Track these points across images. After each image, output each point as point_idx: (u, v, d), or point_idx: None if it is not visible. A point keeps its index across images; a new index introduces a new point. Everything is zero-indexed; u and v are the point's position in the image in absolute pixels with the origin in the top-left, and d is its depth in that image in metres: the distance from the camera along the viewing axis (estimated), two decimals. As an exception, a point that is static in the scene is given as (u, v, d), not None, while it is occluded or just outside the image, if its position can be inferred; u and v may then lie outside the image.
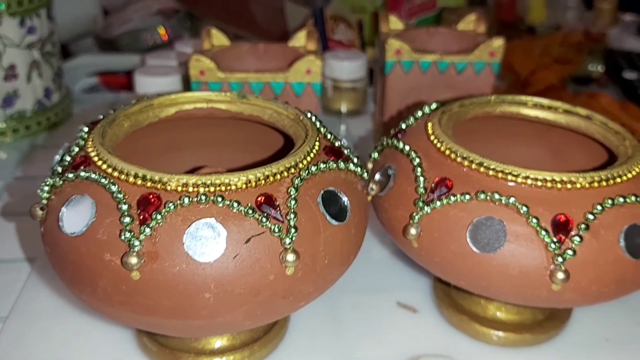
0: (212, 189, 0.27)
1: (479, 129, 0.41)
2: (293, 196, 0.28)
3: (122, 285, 0.27)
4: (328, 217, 0.30)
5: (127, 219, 0.27)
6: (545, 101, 0.39)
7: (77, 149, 0.31)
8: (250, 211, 0.27)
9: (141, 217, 0.27)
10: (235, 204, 0.27)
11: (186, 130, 0.38)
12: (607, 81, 0.77)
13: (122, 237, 0.26)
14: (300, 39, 0.56)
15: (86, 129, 0.32)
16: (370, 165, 0.38)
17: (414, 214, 0.32)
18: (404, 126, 0.38)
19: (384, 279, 0.43)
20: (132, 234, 0.27)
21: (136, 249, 0.26)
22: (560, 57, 0.72)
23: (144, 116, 0.35)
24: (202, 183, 0.27)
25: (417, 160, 0.34)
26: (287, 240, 0.28)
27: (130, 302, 0.28)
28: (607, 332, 0.39)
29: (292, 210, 0.28)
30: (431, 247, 0.32)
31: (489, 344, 0.37)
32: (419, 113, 0.38)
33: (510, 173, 0.31)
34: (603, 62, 0.78)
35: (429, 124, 0.36)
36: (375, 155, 0.38)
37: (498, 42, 0.54)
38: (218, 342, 0.35)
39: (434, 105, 0.38)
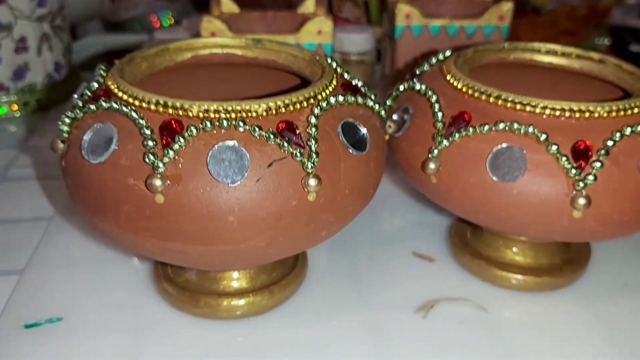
0: (233, 115, 0.28)
1: (493, 79, 0.41)
2: (314, 124, 0.29)
3: (146, 210, 0.27)
4: (348, 146, 0.30)
5: (150, 143, 0.27)
6: (558, 47, 0.39)
7: (96, 85, 0.31)
8: (272, 136, 0.27)
9: (164, 141, 0.27)
10: (257, 129, 0.27)
11: (202, 77, 0.38)
12: (614, 55, 0.77)
13: (146, 160, 0.27)
14: (309, 6, 0.56)
15: (104, 67, 0.32)
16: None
17: (433, 148, 0.32)
18: (418, 72, 0.38)
19: (399, 230, 0.43)
20: (156, 156, 0.27)
21: (160, 170, 0.26)
22: (566, 30, 0.72)
23: (161, 59, 0.35)
24: (223, 109, 0.28)
25: (435, 97, 0.34)
26: (309, 165, 0.28)
27: (154, 227, 0.28)
28: (626, 276, 0.39)
29: (313, 137, 0.28)
30: (450, 181, 0.32)
31: (507, 288, 0.37)
32: (433, 60, 0.38)
33: (528, 104, 0.31)
34: (609, 36, 0.78)
35: (444, 66, 0.36)
36: (390, 102, 0.38)
37: (507, 6, 0.54)
38: (236, 283, 0.35)
39: (447, 53, 0.38)
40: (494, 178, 0.31)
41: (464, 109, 0.32)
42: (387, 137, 0.35)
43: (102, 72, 0.32)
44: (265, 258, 0.31)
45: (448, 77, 0.34)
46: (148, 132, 0.27)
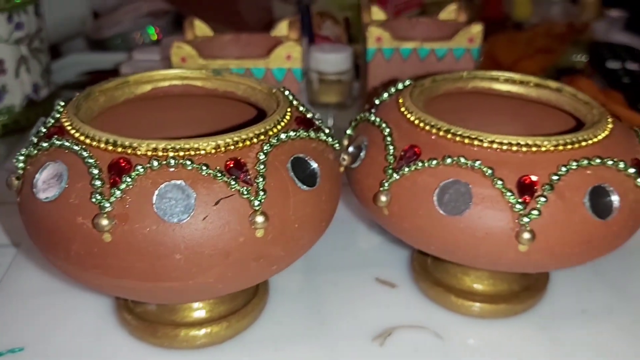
0: (181, 153, 0.28)
1: (453, 106, 0.42)
2: (262, 161, 0.29)
3: (94, 248, 0.28)
4: (297, 182, 0.30)
5: (97, 182, 0.27)
6: (516, 75, 0.40)
7: (52, 121, 0.32)
8: (219, 174, 0.28)
9: (112, 180, 0.27)
10: (204, 167, 0.28)
11: (162, 108, 0.38)
12: (591, 71, 0.78)
13: (93, 200, 0.27)
14: (282, 29, 0.57)
15: (62, 103, 0.33)
16: (345, 142, 0.39)
17: (384, 181, 0.33)
18: (377, 102, 0.38)
19: (364, 255, 0.44)
20: (103, 196, 0.27)
21: (106, 210, 0.27)
22: (543, 48, 0.73)
23: (120, 92, 0.35)
24: (171, 148, 0.28)
25: (387, 130, 0.34)
26: (256, 202, 0.28)
27: (103, 265, 0.28)
28: (584, 303, 0.39)
29: (261, 174, 0.29)
30: (401, 213, 0.33)
31: (465, 315, 0.38)
32: (392, 89, 0.39)
33: (476, 138, 0.31)
34: (587, 52, 0.79)
35: (400, 98, 0.36)
36: (350, 131, 0.38)
37: (476, 28, 0.55)
38: (196, 314, 0.35)
39: (407, 82, 0.39)
40: (441, 212, 0.31)
41: (415, 143, 0.33)
42: (342, 169, 0.35)
43: (59, 107, 0.33)
44: (215, 293, 0.31)
45: (402, 109, 0.35)
46: (96, 171, 0.28)
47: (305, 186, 0.31)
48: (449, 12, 0.62)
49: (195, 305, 0.35)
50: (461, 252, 0.32)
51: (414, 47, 0.56)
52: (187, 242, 0.27)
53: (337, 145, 0.34)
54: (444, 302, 0.38)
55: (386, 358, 0.35)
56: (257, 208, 0.28)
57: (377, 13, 0.61)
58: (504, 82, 0.40)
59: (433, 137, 0.33)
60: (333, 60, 0.68)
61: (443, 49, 0.56)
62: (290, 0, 0.93)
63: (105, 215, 0.27)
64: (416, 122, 0.34)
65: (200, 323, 0.35)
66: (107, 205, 0.27)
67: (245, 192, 0.28)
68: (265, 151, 0.29)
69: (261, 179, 0.29)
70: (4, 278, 0.41)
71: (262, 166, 0.29)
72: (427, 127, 0.33)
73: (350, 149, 0.37)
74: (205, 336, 0.34)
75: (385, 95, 0.39)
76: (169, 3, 0.91)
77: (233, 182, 0.28)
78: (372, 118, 0.36)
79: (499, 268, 0.33)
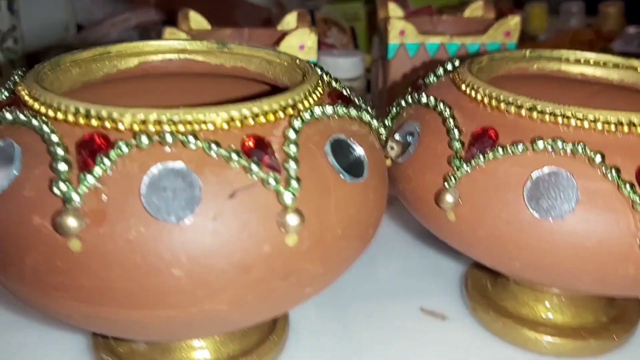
0: (180, 127, 0.20)
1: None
2: (293, 140, 0.21)
3: (57, 261, 0.20)
4: (340, 171, 0.22)
5: (62, 165, 0.19)
6: (591, 55, 0.33)
7: (6, 93, 0.24)
8: (235, 156, 0.20)
9: (82, 163, 0.19)
10: (214, 146, 0.20)
11: (153, 89, 0.30)
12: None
13: (56, 190, 0.19)
14: (290, 22, 0.50)
15: (21, 73, 0.25)
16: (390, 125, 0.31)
17: (450, 175, 0.25)
18: (424, 82, 0.31)
19: (404, 279, 0.37)
20: (70, 184, 0.19)
21: (74, 204, 0.19)
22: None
23: (98, 65, 0.27)
24: (167, 119, 0.20)
25: (448, 111, 0.26)
26: (288, 196, 0.20)
27: (70, 285, 0.20)
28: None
29: (293, 157, 0.21)
30: (474, 218, 0.25)
31: (540, 353, 0.30)
32: (440, 70, 0.31)
33: (573, 116, 0.24)
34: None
35: (457, 75, 0.29)
36: (389, 121, 0.31)
37: (514, 20, 0.48)
38: (198, 354, 0.27)
39: (457, 62, 0.32)
40: (534, 213, 0.24)
41: (489, 125, 0.25)
42: (388, 161, 0.28)
43: (16, 77, 0.25)
44: (228, 325, 0.23)
45: (463, 87, 0.27)
46: (59, 150, 0.19)
47: (350, 177, 0.23)
48: (474, 9, 0.55)
49: (197, 343, 0.27)
50: (562, 268, 0.24)
51: (443, 42, 0.49)
52: (190, 251, 0.19)
53: (382, 129, 0.26)
54: (514, 337, 0.30)
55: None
56: (289, 204, 0.20)
57: (394, 10, 0.54)
58: (575, 63, 0.33)
59: (512, 116, 0.25)
60: (344, 65, 0.61)
61: (476, 44, 0.49)
62: (291, 9, 0.87)
63: (72, 212, 0.19)
64: (485, 100, 0.26)
65: (202, 368, 0.26)
66: (76, 197, 0.19)
67: (273, 182, 0.20)
68: (296, 128, 0.21)
69: (293, 164, 0.21)
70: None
71: (293, 147, 0.21)
72: (503, 105, 0.25)
73: (397, 137, 0.29)
74: (209, 385, 0.26)
75: (432, 77, 0.31)
76: (162, 13, 0.84)
77: (255, 167, 0.20)
78: (425, 99, 0.28)
79: (608, 290, 0.25)
